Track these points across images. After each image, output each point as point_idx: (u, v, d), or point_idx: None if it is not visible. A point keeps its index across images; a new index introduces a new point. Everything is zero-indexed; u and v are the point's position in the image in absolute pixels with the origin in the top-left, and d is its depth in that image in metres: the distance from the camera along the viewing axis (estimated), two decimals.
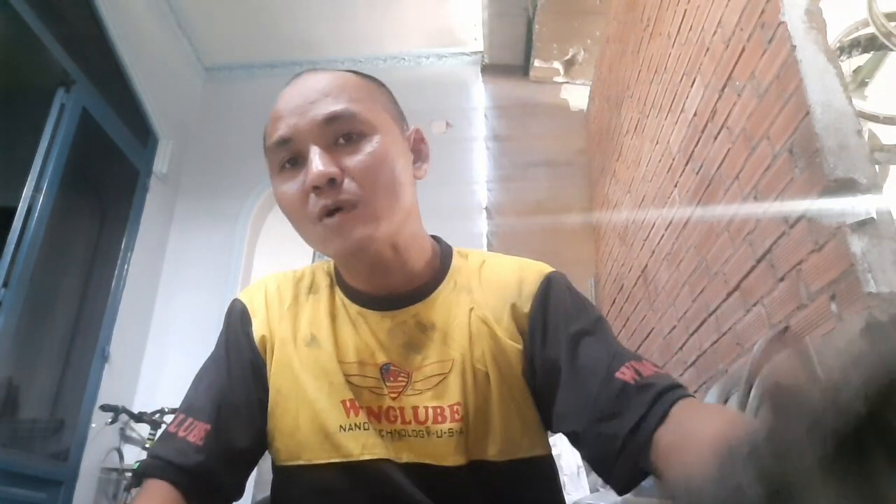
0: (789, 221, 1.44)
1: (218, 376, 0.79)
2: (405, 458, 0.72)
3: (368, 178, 0.71)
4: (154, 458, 0.73)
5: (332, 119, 0.71)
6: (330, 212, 0.70)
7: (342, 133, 0.72)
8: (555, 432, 0.76)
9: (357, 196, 0.70)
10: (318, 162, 0.69)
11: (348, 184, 0.70)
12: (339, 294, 0.83)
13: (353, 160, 0.71)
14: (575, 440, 0.73)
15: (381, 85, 0.82)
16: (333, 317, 0.81)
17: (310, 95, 0.73)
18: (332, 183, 0.70)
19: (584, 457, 0.73)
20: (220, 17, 4.02)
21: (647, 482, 0.68)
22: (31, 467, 2.77)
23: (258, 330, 0.81)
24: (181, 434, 0.74)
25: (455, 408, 0.73)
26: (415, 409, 0.73)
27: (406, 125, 0.82)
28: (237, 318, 0.84)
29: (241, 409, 0.77)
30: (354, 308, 0.80)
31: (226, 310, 0.87)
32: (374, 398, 0.74)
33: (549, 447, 0.78)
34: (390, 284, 0.78)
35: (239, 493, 0.77)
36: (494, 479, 0.73)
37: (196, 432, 0.74)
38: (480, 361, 0.75)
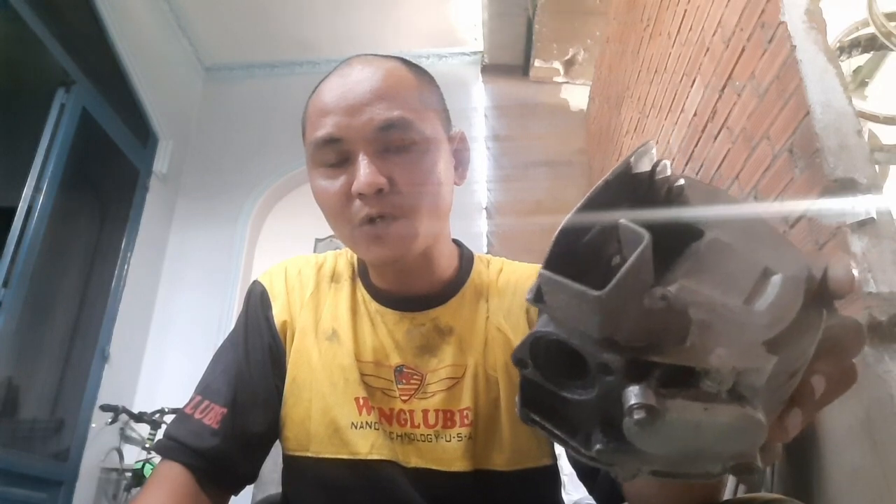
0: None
1: (236, 359, 0.78)
2: (413, 462, 0.72)
3: (415, 191, 0.70)
4: (169, 438, 0.73)
5: (388, 127, 0.69)
6: (371, 219, 0.70)
7: (394, 141, 0.70)
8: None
9: (402, 208, 0.70)
10: (367, 171, 0.68)
11: (395, 194, 0.69)
12: (360, 288, 0.82)
13: (403, 172, 0.70)
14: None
15: (431, 80, 0.80)
16: (354, 312, 0.80)
17: (363, 95, 0.70)
18: (378, 192, 0.68)
19: (570, 463, 0.74)
20: (220, 17, 4.01)
21: None
22: (31, 467, 2.77)
23: (279, 315, 0.81)
24: (197, 416, 0.73)
25: (465, 412, 0.73)
26: (424, 412, 0.73)
27: (450, 124, 0.80)
28: (257, 301, 0.83)
29: (258, 393, 0.77)
30: (374, 305, 0.79)
31: (247, 291, 0.86)
32: (386, 400, 0.74)
33: (555, 457, 0.78)
34: (413, 286, 0.78)
35: (253, 477, 0.77)
36: (499, 488, 0.72)
37: (212, 415, 0.73)
38: (493, 368, 0.75)
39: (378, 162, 0.69)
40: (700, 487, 0.58)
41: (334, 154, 0.71)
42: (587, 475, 0.72)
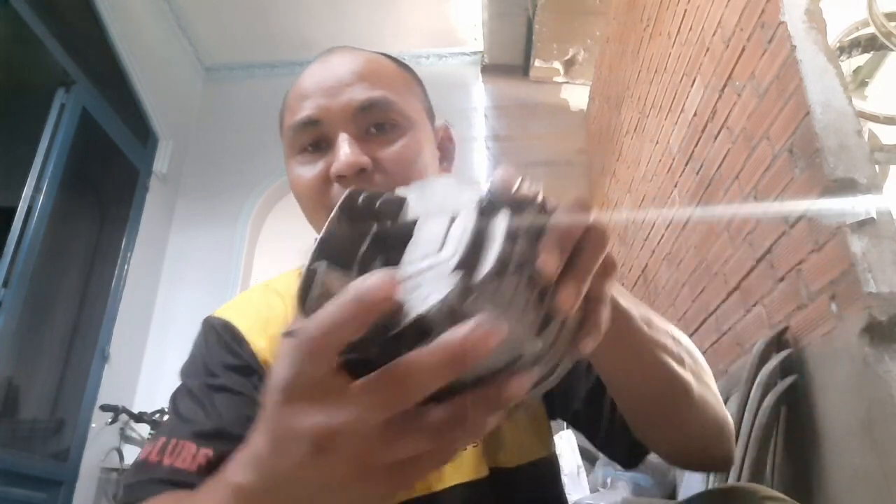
0: (789, 221, 1.45)
1: (219, 400, 0.65)
2: (434, 486, 0.66)
3: (400, 174, 0.65)
4: (143, 483, 0.59)
5: (369, 106, 0.66)
6: None
7: (376, 122, 0.67)
8: (557, 417, 0.76)
9: (388, 188, 0.66)
10: (347, 150, 0.64)
11: (378, 177, 0.65)
12: None
13: (386, 152, 0.66)
14: (575, 421, 0.73)
15: (416, 76, 0.77)
16: None
17: (344, 76, 0.68)
18: (360, 174, 0.64)
19: (585, 435, 0.73)
20: (220, 17, 4.02)
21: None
22: (31, 467, 2.77)
23: (262, 351, 0.68)
24: (166, 462, 0.60)
25: None
26: None
27: (434, 119, 0.77)
28: (225, 340, 0.69)
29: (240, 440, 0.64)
30: None
31: (200, 331, 0.72)
32: None
33: (553, 446, 0.77)
34: None
35: None
36: (508, 486, 0.70)
37: (189, 457, 0.60)
38: None
39: (359, 143, 0.66)
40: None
41: (313, 138, 0.68)
42: (606, 437, 0.71)
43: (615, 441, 0.70)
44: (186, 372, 0.70)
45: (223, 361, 0.68)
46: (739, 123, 1.72)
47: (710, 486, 1.49)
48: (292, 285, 0.71)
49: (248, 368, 0.68)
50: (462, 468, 0.68)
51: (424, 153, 0.69)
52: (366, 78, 0.68)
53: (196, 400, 0.65)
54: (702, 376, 0.62)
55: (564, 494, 0.79)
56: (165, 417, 0.69)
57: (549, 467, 0.76)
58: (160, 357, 3.54)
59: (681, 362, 0.58)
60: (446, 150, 0.78)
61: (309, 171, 0.68)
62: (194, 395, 0.66)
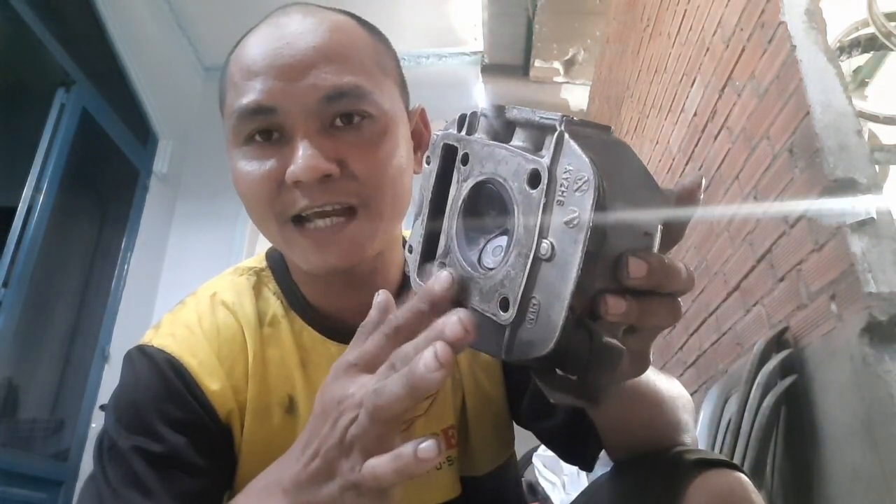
0: (789, 221, 1.45)
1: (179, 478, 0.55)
2: None
3: (373, 178, 0.56)
4: None
5: (336, 97, 0.55)
6: (317, 214, 0.55)
7: (344, 112, 0.56)
8: (524, 426, 0.73)
9: (357, 199, 0.55)
10: (308, 152, 0.53)
11: (347, 182, 0.55)
12: (300, 326, 0.63)
13: (356, 154, 0.55)
14: (544, 428, 0.69)
15: (388, 43, 0.67)
16: (304, 364, 0.62)
17: (305, 53, 0.55)
18: (325, 179, 0.54)
19: (555, 443, 0.71)
20: (220, 17, 4.01)
21: None
22: (31, 467, 2.77)
23: (215, 399, 0.58)
24: None
25: (450, 431, 0.66)
26: None
27: (409, 98, 0.67)
28: (174, 381, 0.58)
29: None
30: (325, 348, 0.62)
31: (136, 365, 0.61)
32: None
33: (513, 446, 0.75)
34: (365, 305, 0.53)
35: None
36: (479, 493, 0.68)
37: None
38: (457, 371, 0.67)
39: (323, 141, 0.54)
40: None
41: (263, 125, 0.56)
42: (560, 443, 0.70)
43: (588, 447, 0.67)
44: (118, 418, 0.59)
45: (167, 415, 0.57)
46: (739, 123, 1.72)
47: None
48: (243, 294, 0.64)
49: (200, 425, 0.57)
50: (436, 490, 0.65)
51: (401, 152, 0.59)
52: (332, 58, 0.56)
53: (130, 476, 0.54)
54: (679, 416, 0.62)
55: (523, 491, 0.78)
56: (91, 474, 0.57)
57: (511, 467, 0.74)
58: None
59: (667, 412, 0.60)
60: (421, 138, 0.66)
61: (257, 167, 0.56)
62: (128, 464, 0.55)
